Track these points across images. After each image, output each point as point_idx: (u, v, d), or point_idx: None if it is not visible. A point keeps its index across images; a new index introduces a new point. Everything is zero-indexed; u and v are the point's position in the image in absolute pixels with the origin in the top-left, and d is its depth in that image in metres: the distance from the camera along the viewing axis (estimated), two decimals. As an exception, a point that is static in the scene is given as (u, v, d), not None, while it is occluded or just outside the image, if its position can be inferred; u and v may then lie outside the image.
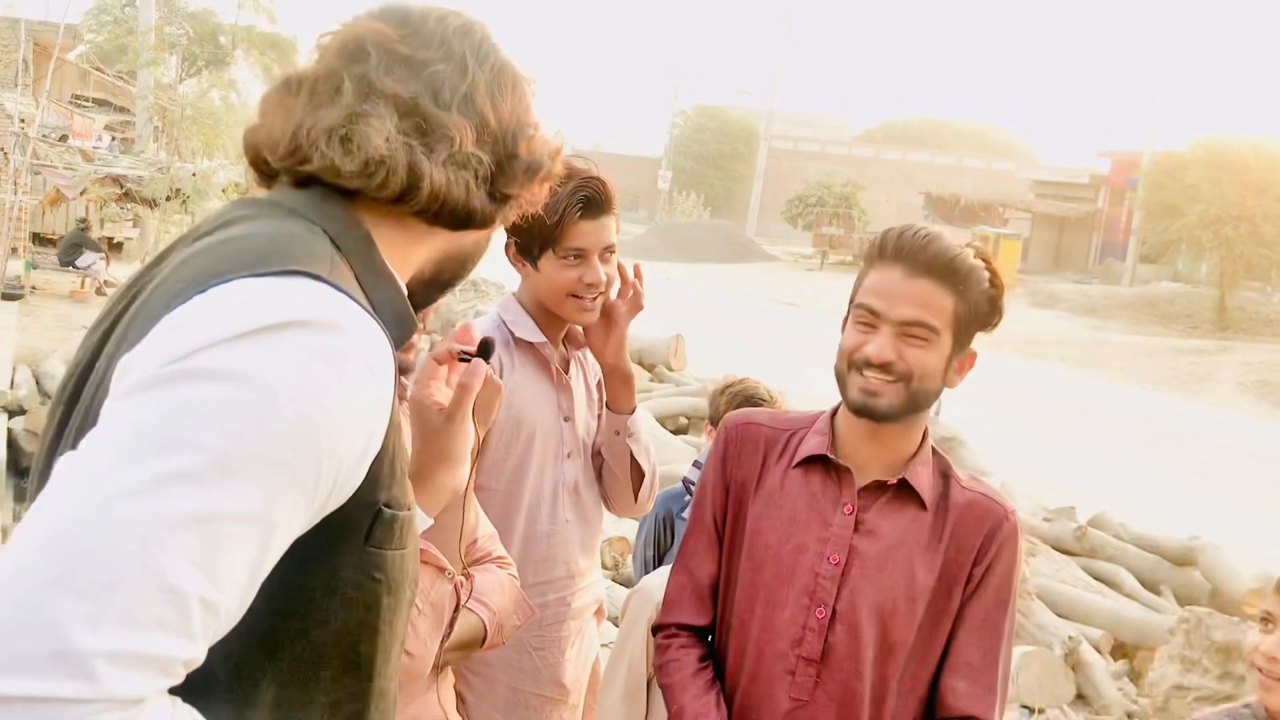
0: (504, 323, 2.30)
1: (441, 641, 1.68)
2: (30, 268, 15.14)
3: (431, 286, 1.23)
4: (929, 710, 1.84)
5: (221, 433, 0.85)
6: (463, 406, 1.36)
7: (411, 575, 1.08)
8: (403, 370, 1.68)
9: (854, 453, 1.87)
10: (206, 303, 0.91)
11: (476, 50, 1.13)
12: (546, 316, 2.30)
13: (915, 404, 1.80)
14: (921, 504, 1.84)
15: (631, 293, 2.31)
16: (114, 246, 18.28)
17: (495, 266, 2.37)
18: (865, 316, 1.79)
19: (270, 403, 0.87)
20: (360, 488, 0.96)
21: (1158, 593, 7.03)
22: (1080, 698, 5.75)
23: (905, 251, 1.77)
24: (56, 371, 9.48)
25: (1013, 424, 13.46)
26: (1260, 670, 2.07)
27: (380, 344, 0.97)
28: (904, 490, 1.84)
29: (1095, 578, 7.07)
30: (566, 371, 2.36)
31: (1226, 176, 24.99)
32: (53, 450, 1.02)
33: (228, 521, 0.84)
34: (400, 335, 1.10)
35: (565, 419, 2.32)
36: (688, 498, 3.06)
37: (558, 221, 2.17)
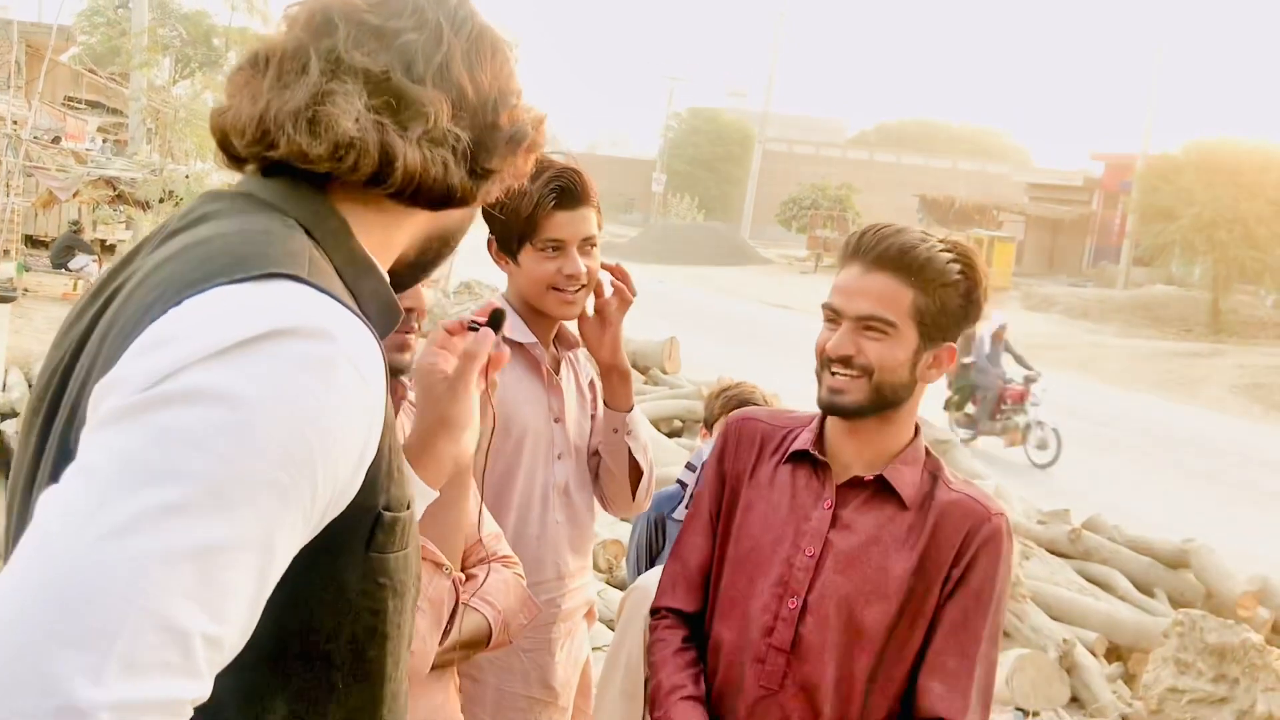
0: None
1: (442, 639, 1.67)
2: (23, 270, 15.10)
3: (416, 267, 1.18)
4: (906, 709, 1.84)
5: (211, 459, 0.80)
6: (465, 375, 1.32)
7: (415, 572, 1.05)
8: (398, 371, 1.67)
9: (838, 450, 1.90)
10: (182, 317, 0.86)
11: (452, 16, 1.06)
12: (535, 316, 2.30)
13: (883, 399, 1.81)
14: (901, 502, 1.85)
15: (615, 292, 2.31)
16: (107, 249, 18.24)
17: (489, 268, 2.36)
18: (829, 314, 1.84)
19: (259, 422, 0.82)
20: (358, 494, 0.93)
21: (1152, 595, 7.03)
22: (1075, 700, 5.75)
23: (863, 248, 1.81)
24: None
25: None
26: None
27: (368, 345, 0.92)
28: (883, 487, 1.86)
29: (1089, 580, 7.07)
30: (557, 372, 2.35)
31: (1219, 179, 25.08)
32: (30, 480, 0.97)
33: (225, 551, 0.80)
34: (386, 325, 1.07)
35: (555, 420, 2.32)
36: (681, 499, 3.06)
37: (533, 213, 2.18)
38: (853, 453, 1.89)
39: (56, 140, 16.37)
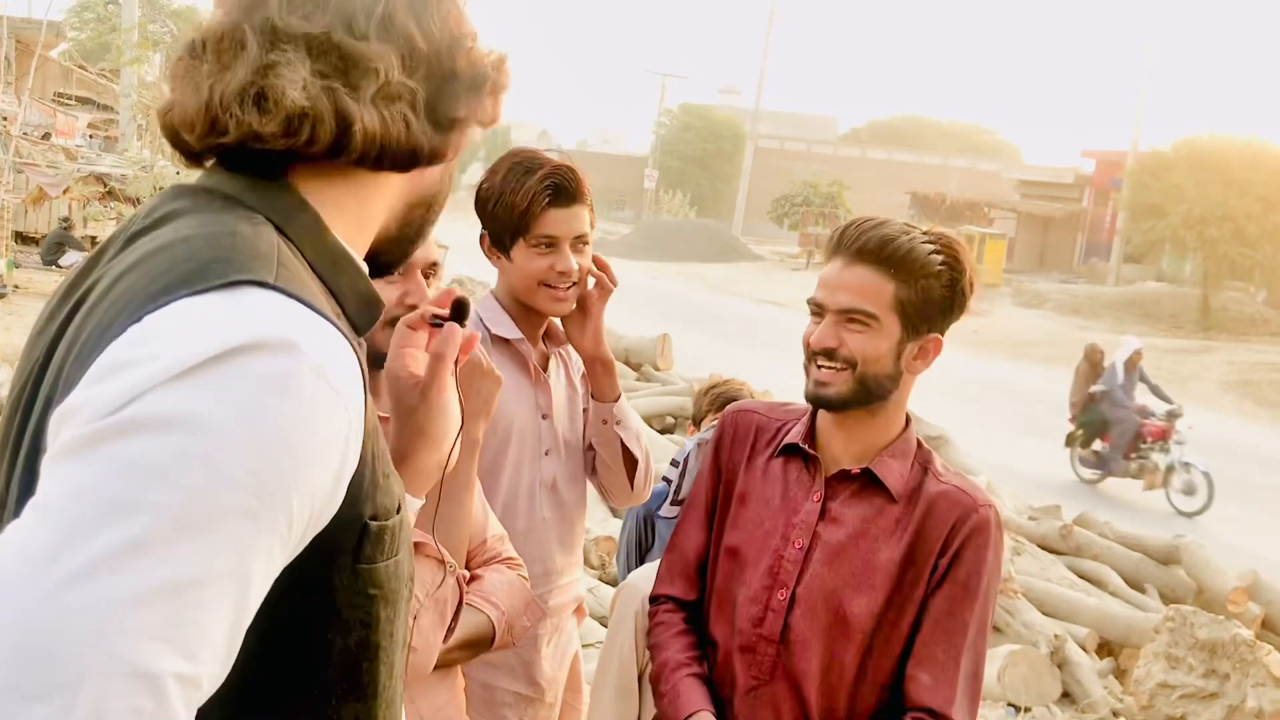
0: (481, 320, 2.29)
1: (446, 637, 1.67)
2: (13, 266, 15.04)
3: (403, 240, 1.12)
4: (894, 699, 1.86)
5: (175, 490, 0.76)
6: (438, 378, 1.26)
7: (407, 575, 1.01)
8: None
9: (827, 444, 1.92)
10: (142, 336, 0.81)
11: None
12: (524, 312, 2.30)
13: (867, 391, 1.83)
14: (890, 494, 1.87)
15: (596, 283, 2.32)
16: (97, 246, 18.16)
17: (482, 265, 2.36)
18: (814, 308, 1.87)
19: (225, 447, 0.78)
20: (342, 506, 0.89)
21: (1143, 591, 7.05)
22: (1066, 696, 5.76)
23: (844, 242, 1.84)
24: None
25: (999, 422, 13.51)
26: None
27: (341, 352, 0.87)
28: (871, 480, 1.88)
29: (1080, 576, 7.09)
30: (546, 369, 2.35)
31: (1209, 176, 25.15)
32: (1, 505, 0.93)
33: (196, 586, 0.76)
34: (367, 319, 1.03)
35: (543, 416, 2.32)
36: (667, 495, 3.07)
37: (527, 208, 2.20)
38: (841, 446, 1.91)
39: (46, 136, 16.31)
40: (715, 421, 2.54)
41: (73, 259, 15.52)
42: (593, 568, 6.27)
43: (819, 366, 1.85)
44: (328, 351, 0.86)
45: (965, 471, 8.13)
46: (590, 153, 64.10)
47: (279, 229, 0.94)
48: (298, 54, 0.93)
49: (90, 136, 18.85)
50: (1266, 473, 12.45)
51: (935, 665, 1.82)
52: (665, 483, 3.14)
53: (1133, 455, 11.17)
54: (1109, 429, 11.33)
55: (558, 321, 2.38)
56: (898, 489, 1.87)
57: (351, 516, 0.90)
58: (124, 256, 0.92)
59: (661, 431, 8.88)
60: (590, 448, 2.41)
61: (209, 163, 1.01)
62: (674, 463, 3.21)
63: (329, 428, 0.84)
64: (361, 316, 1.02)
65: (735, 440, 2.01)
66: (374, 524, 0.93)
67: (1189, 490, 10.57)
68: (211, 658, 0.78)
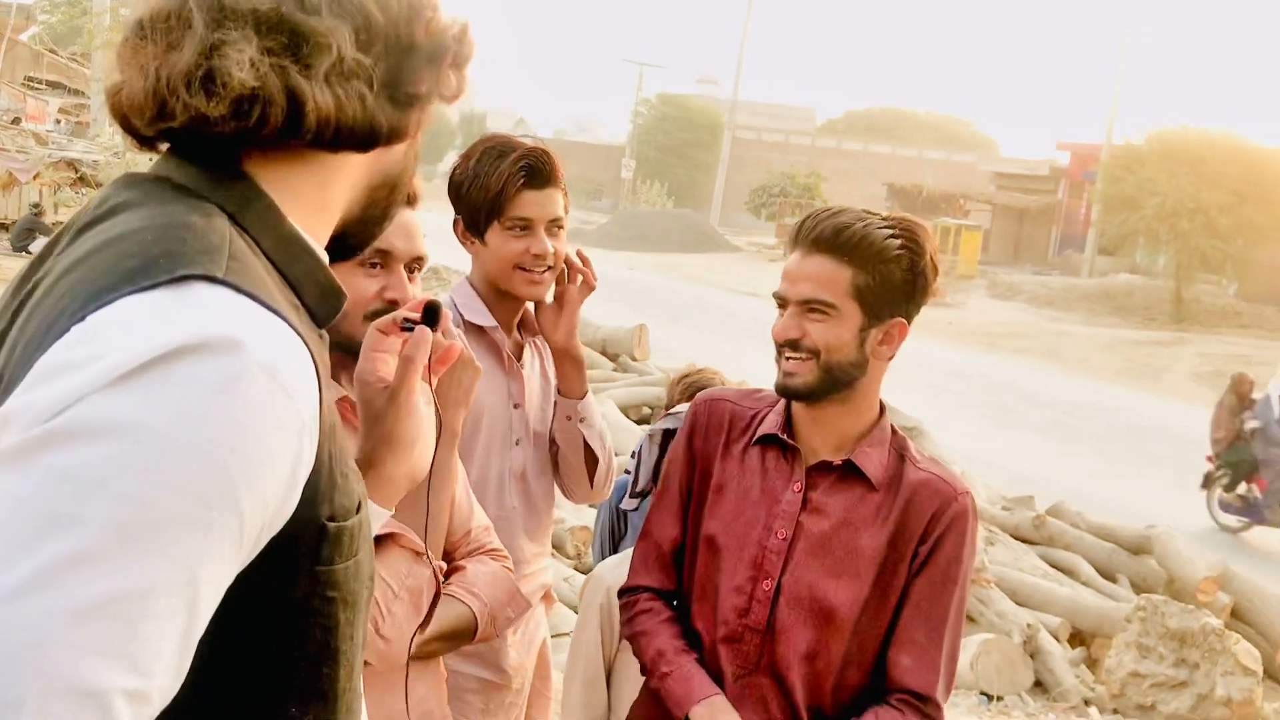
0: (456, 306, 2.28)
1: (421, 628, 1.65)
2: (-19, 253, 14.88)
3: (368, 223, 1.08)
4: (875, 682, 1.89)
5: (117, 500, 0.73)
6: (406, 382, 1.22)
7: (367, 576, 0.99)
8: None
9: (805, 434, 1.93)
10: (84, 336, 0.78)
11: None
12: (499, 299, 2.29)
13: (833, 380, 1.85)
14: (870, 483, 1.89)
15: (581, 278, 2.32)
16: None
17: (458, 254, 2.35)
18: (779, 300, 1.89)
19: (168, 455, 0.75)
20: (298, 509, 0.85)
21: (1114, 581, 7.11)
22: (1038, 685, 5.81)
23: (803, 233, 1.86)
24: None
25: (973, 413, 13.58)
26: None
27: (293, 349, 0.84)
28: (852, 470, 1.89)
29: (1053, 566, 7.15)
30: (519, 358, 2.34)
31: (1182, 170, 25.31)
32: None
33: (142, 599, 0.73)
34: (327, 310, 1.00)
35: (515, 406, 2.30)
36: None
37: (501, 191, 2.19)
38: (819, 436, 1.92)
39: (16, 121, 16.12)
40: (674, 413, 2.53)
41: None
42: (569, 557, 6.26)
43: (786, 358, 1.87)
44: (278, 350, 0.82)
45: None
46: (567, 141, 63.96)
47: (233, 218, 0.91)
48: (246, 32, 0.89)
49: (59, 121, 18.63)
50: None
51: (917, 649, 1.86)
52: (627, 474, 3.13)
53: None
54: (1260, 471, 9.92)
55: (534, 310, 2.37)
56: (878, 477, 1.89)
57: (309, 518, 0.87)
58: (72, 250, 0.88)
59: (638, 422, 8.88)
60: (554, 441, 2.40)
61: (164, 147, 0.97)
62: (632, 454, 3.20)
63: (280, 429, 0.81)
64: (322, 307, 0.99)
65: (709, 429, 2.00)
66: (332, 525, 0.90)
67: None
68: (162, 670, 0.75)
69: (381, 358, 1.29)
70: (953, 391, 14.71)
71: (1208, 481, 10.30)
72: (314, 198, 0.99)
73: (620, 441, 6.40)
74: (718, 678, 1.90)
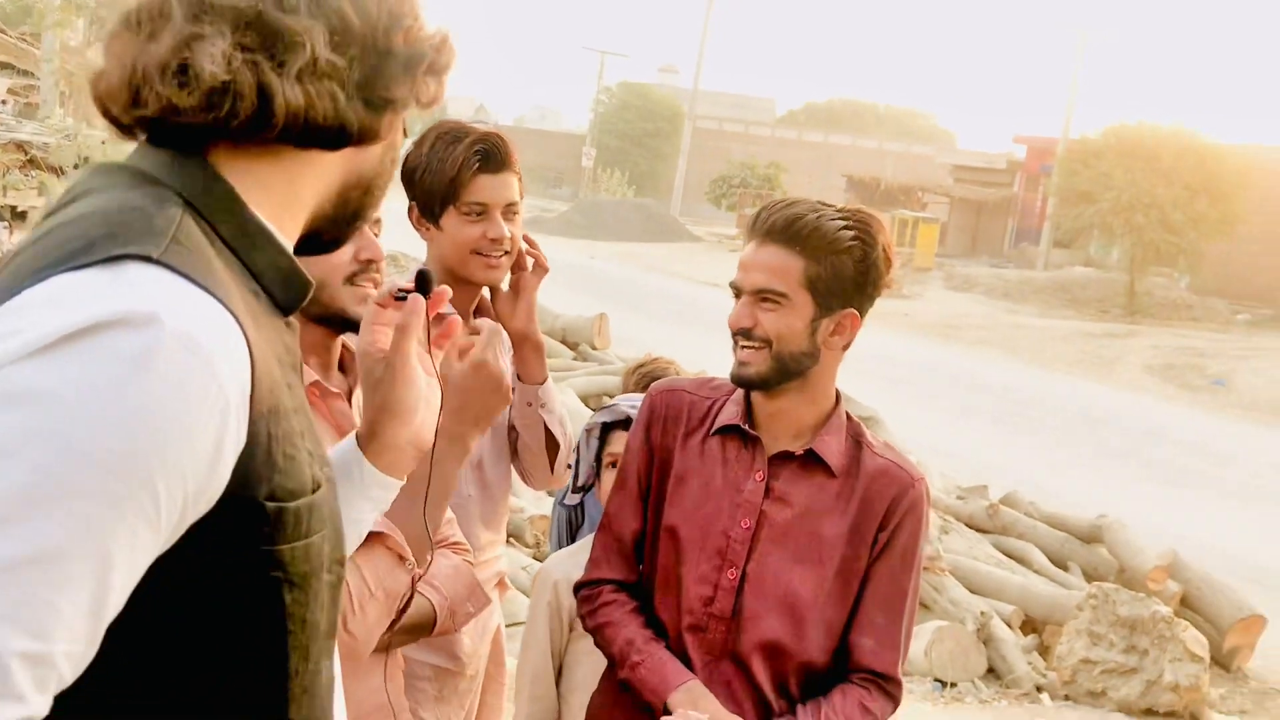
0: None
1: (391, 626, 1.65)
2: (-72, 236, 14.56)
3: (340, 221, 1.10)
4: (838, 664, 1.94)
5: (22, 467, 0.75)
6: (402, 350, 1.26)
7: (325, 560, 0.99)
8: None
9: (765, 423, 1.95)
10: (14, 310, 0.81)
11: None
12: (455, 285, 2.26)
13: (785, 369, 1.87)
14: (830, 471, 1.91)
15: (533, 261, 2.32)
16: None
17: (413, 240, 2.33)
18: (734, 290, 1.91)
19: (78, 425, 0.77)
20: (230, 486, 0.87)
21: (1066, 569, 7.20)
22: (991, 671, 5.88)
23: (758, 224, 1.89)
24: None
25: (928, 404, 13.70)
26: None
27: (219, 328, 0.85)
28: (812, 459, 1.92)
29: (1006, 555, 7.22)
30: None
31: (1138, 164, 25.63)
32: None
33: (44, 564, 0.75)
34: (292, 298, 1.01)
35: None
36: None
37: (456, 176, 2.18)
38: (779, 425, 1.94)
39: (-36, 102, 15.77)
40: (610, 405, 2.50)
41: (-8, 229, 15.04)
42: (527, 546, 6.25)
43: (741, 347, 1.89)
44: (201, 326, 0.83)
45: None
46: (527, 129, 63.65)
47: (192, 204, 0.93)
48: (222, 27, 0.91)
49: (4, 102, 18.28)
50: (1187, 455, 12.78)
51: (878, 631, 1.91)
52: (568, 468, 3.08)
53: None
54: None
55: (489, 296, 2.35)
56: (838, 465, 1.92)
57: (244, 498, 0.88)
58: (34, 235, 0.91)
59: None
60: (513, 429, 2.39)
61: (142, 137, 0.99)
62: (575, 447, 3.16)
63: (199, 404, 0.82)
64: (285, 294, 1.00)
65: (667, 420, 2.00)
66: (272, 505, 0.90)
67: None
68: (67, 637, 0.77)
69: (380, 330, 1.33)
70: (909, 382, 14.82)
71: None
72: (283, 191, 1.00)
73: (581, 430, 6.39)
74: (684, 666, 1.91)
